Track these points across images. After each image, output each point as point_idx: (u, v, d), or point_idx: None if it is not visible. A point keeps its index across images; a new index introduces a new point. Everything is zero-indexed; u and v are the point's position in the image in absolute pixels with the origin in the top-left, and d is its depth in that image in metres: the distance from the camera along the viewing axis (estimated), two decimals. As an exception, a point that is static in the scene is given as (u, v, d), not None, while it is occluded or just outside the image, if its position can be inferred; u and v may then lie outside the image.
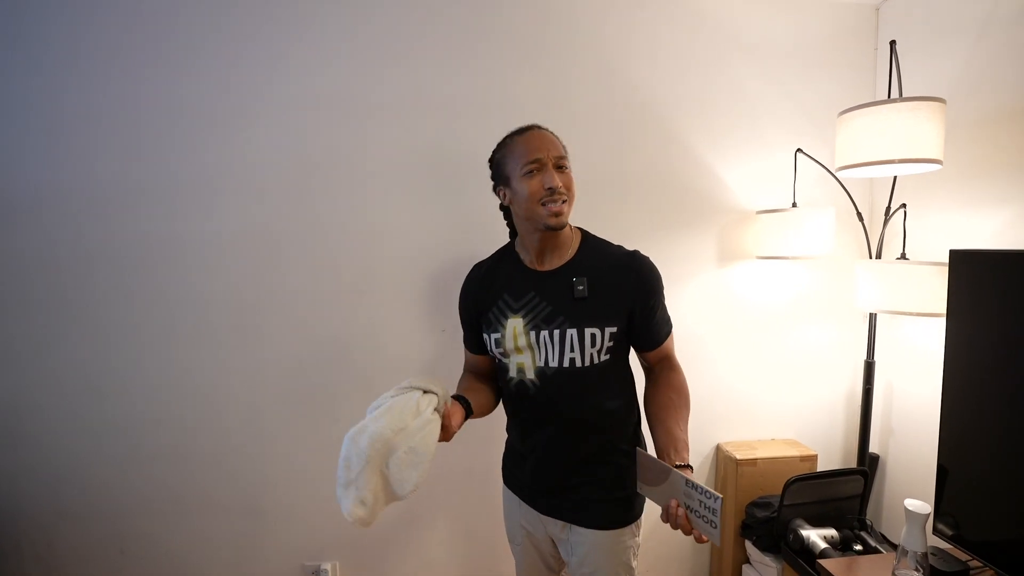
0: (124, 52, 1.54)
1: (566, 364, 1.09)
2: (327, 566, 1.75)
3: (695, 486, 0.89)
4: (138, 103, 1.56)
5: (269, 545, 1.74)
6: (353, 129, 1.63)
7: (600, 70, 1.71)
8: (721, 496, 0.85)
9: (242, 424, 1.69)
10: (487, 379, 1.26)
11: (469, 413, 1.13)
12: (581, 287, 1.09)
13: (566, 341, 1.08)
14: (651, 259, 1.14)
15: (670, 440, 1.03)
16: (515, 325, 1.12)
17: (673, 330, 1.19)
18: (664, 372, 1.16)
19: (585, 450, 1.15)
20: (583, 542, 1.16)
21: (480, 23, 1.66)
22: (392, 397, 1.01)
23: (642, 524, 1.22)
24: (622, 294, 1.09)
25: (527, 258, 1.17)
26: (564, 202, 1.07)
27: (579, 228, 1.20)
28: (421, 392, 1.01)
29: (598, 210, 1.70)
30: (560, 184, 1.05)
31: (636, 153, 1.76)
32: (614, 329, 1.09)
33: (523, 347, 1.12)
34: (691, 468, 1.00)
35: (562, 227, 1.08)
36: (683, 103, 1.77)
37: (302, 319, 1.67)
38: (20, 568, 1.67)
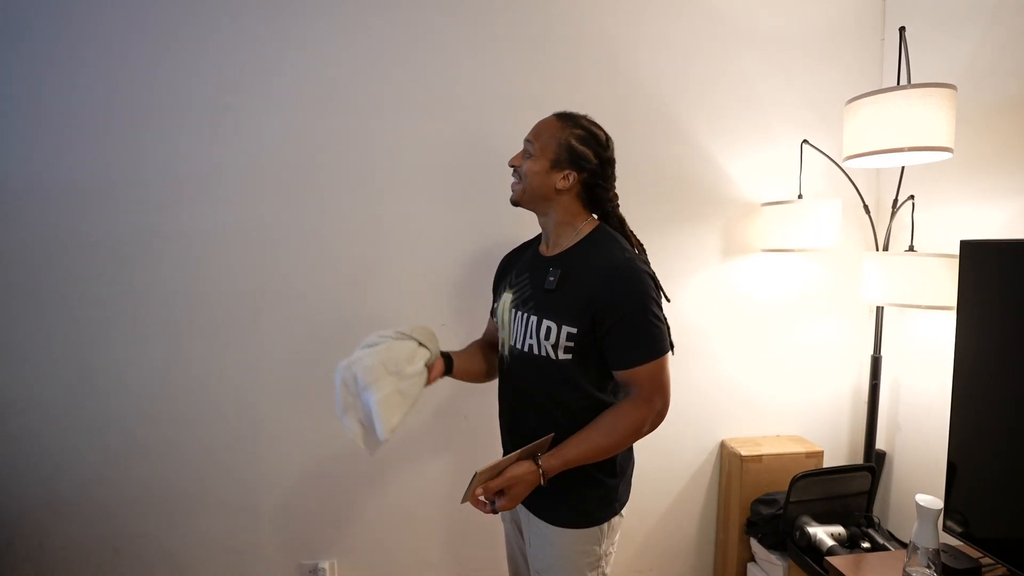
0: (127, 45, 1.52)
1: (526, 348, 1.10)
2: (324, 564, 1.72)
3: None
4: (137, 96, 1.53)
5: (266, 543, 1.72)
6: (355, 124, 1.61)
7: (605, 63, 1.69)
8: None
9: (239, 420, 1.66)
10: (491, 349, 1.29)
11: (449, 370, 1.18)
12: (552, 278, 1.08)
13: (528, 326, 1.09)
14: (641, 274, 1.02)
15: (561, 444, 1.03)
16: (506, 299, 1.19)
17: (656, 369, 1.01)
18: (625, 401, 1.05)
19: (537, 439, 1.09)
20: (538, 535, 1.13)
21: (485, 17, 1.63)
22: (390, 339, 1.08)
23: (612, 532, 1.13)
24: (587, 297, 1.02)
25: (542, 243, 1.20)
26: (516, 182, 1.13)
27: (597, 222, 1.15)
28: (417, 343, 1.10)
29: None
30: (512, 163, 1.13)
31: (641, 146, 1.73)
32: (573, 330, 1.02)
33: (506, 323, 1.17)
34: (542, 476, 1.01)
35: (513, 204, 1.15)
36: (688, 95, 1.74)
37: (300, 314, 1.65)
38: (12, 567, 1.64)
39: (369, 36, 1.59)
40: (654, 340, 1.02)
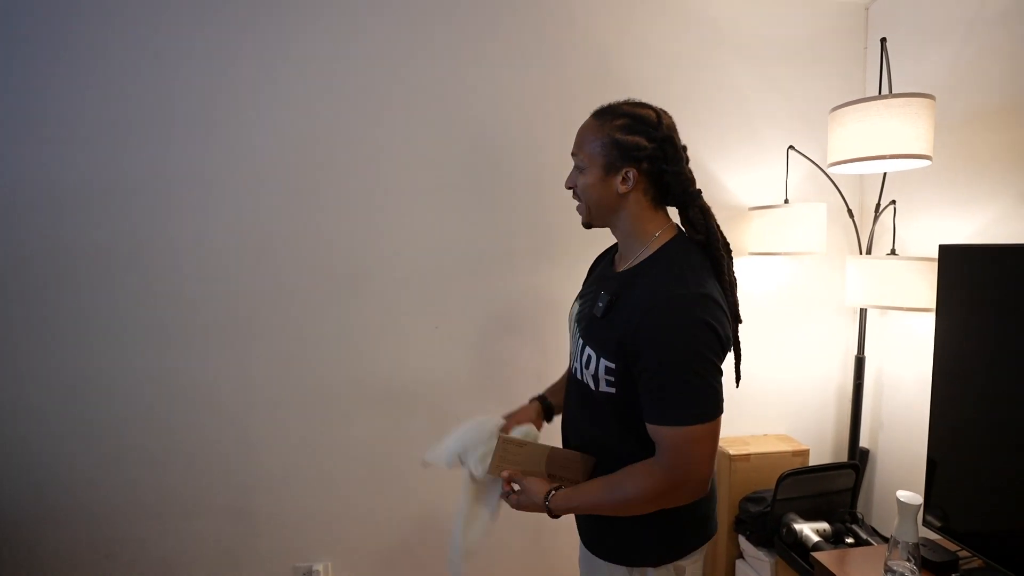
0: (119, 49, 1.51)
1: (575, 371, 1.01)
2: (319, 567, 1.73)
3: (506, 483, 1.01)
4: (128, 101, 1.52)
5: (260, 547, 1.72)
6: (348, 128, 1.62)
7: (594, 70, 1.72)
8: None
9: (231, 424, 1.66)
10: None
11: (548, 409, 1.17)
12: (600, 303, 0.93)
13: (577, 348, 0.99)
14: (691, 314, 0.82)
15: (579, 485, 0.96)
16: (573, 309, 1.06)
17: (684, 437, 0.82)
18: (649, 460, 0.88)
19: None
20: (584, 557, 1.08)
21: (475, 25, 1.65)
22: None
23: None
24: (620, 333, 0.87)
25: (620, 252, 1.05)
26: (578, 202, 1.00)
27: (674, 232, 0.96)
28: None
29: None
30: (568, 186, 1.00)
31: (630, 150, 1.76)
32: (611, 364, 0.88)
33: (572, 332, 1.05)
34: (548, 509, 0.96)
35: (585, 227, 1.01)
36: (677, 101, 1.75)
37: (292, 318, 1.65)
38: (2, 573, 1.62)
39: (363, 42, 1.60)
40: (688, 402, 0.82)
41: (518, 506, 0.99)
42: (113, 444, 1.62)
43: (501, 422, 1.11)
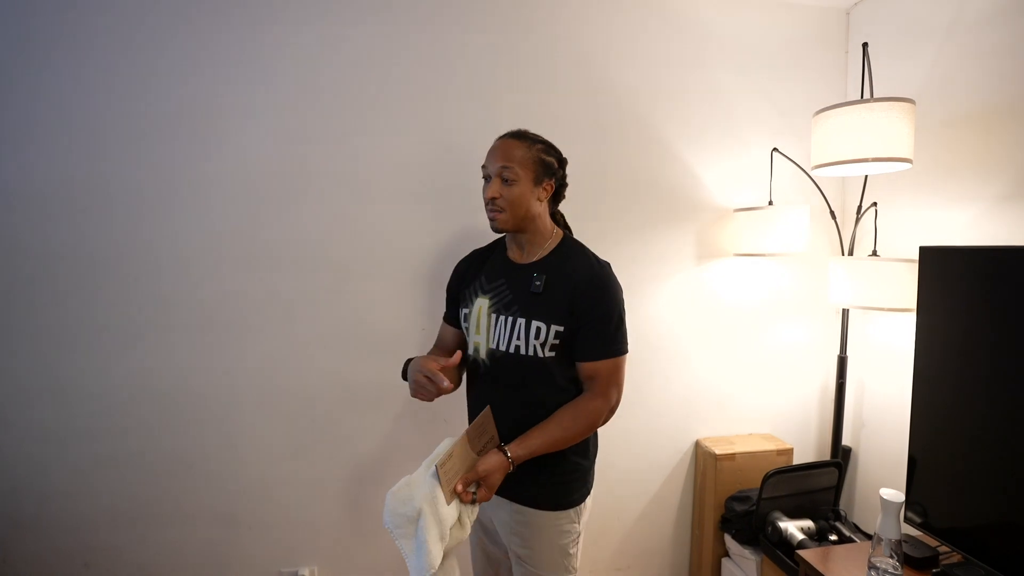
0: (114, 53, 1.48)
1: (511, 350, 1.16)
2: (305, 571, 1.70)
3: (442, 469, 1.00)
4: (109, 102, 1.49)
5: (244, 553, 1.69)
6: (337, 131, 1.60)
7: (580, 72, 1.72)
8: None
9: (216, 429, 1.63)
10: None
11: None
12: (538, 283, 1.16)
13: (516, 329, 1.16)
14: (616, 282, 1.17)
15: (525, 435, 1.11)
16: (481, 305, 1.23)
17: (617, 365, 1.15)
18: (584, 394, 1.16)
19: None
20: (521, 522, 1.20)
21: (463, 27, 1.64)
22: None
23: (586, 511, 1.24)
24: (571, 299, 1.13)
25: (510, 250, 1.27)
26: (499, 211, 1.16)
27: (564, 230, 1.27)
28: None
29: (577, 209, 1.69)
30: (494, 195, 1.15)
31: (616, 153, 1.77)
32: (559, 328, 1.13)
33: (482, 327, 1.22)
34: (511, 462, 1.08)
35: (499, 232, 1.21)
36: (662, 104, 1.79)
37: (277, 321, 1.62)
38: (-26, 584, 1.58)
39: (352, 47, 1.58)
40: (619, 340, 1.16)
41: (490, 491, 1.07)
42: (91, 450, 1.58)
43: (424, 463, 1.09)
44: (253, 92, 1.55)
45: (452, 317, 1.35)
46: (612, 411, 1.18)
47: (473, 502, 1.06)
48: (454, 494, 1.03)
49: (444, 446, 1.09)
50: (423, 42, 1.63)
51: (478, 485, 1.06)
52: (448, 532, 1.01)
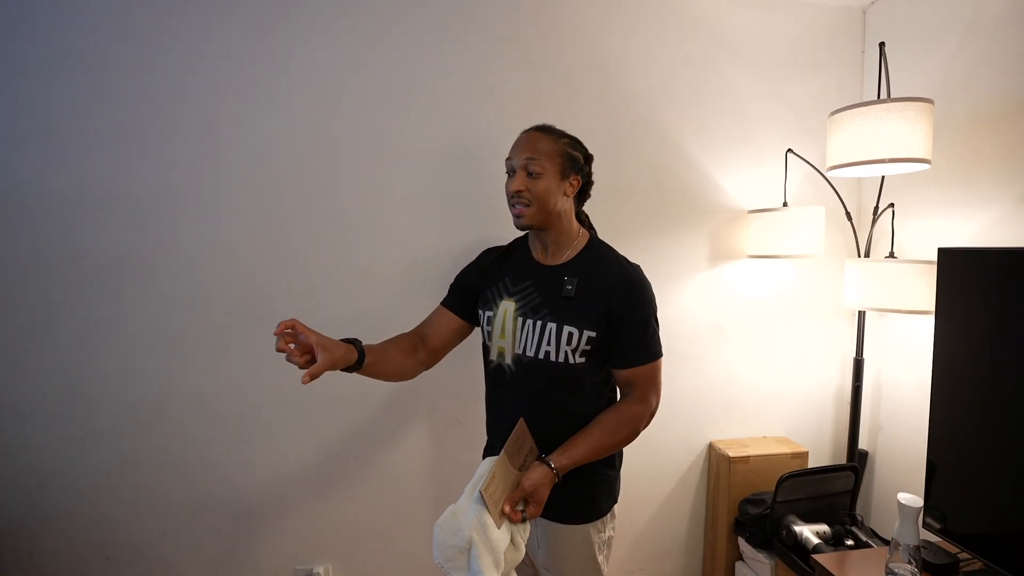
0: (113, 51, 1.51)
1: (541, 356, 1.12)
2: (319, 569, 1.73)
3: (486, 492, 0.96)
4: (127, 104, 1.52)
5: (260, 549, 1.71)
6: (345, 129, 1.62)
7: (597, 74, 1.72)
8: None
9: (234, 427, 1.66)
10: (418, 348, 1.23)
11: (360, 354, 1.09)
12: (570, 287, 1.12)
13: (545, 334, 1.12)
14: (649, 284, 1.14)
15: (567, 444, 1.08)
16: (507, 308, 1.17)
17: (655, 369, 1.13)
18: (624, 400, 1.16)
19: (552, 444, 1.11)
20: (548, 535, 1.17)
21: (480, 27, 1.65)
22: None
23: (614, 518, 1.23)
24: (605, 301, 1.09)
25: (535, 250, 1.21)
26: (525, 206, 1.10)
27: (589, 231, 1.23)
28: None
29: (593, 211, 1.70)
30: (519, 188, 1.09)
31: (631, 155, 1.77)
32: (592, 333, 1.09)
33: (507, 331, 1.17)
34: (556, 475, 1.05)
35: (524, 228, 1.15)
36: (677, 106, 1.78)
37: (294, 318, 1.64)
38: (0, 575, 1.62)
39: (364, 51, 1.61)
40: (656, 343, 1.14)
41: (539, 507, 1.04)
42: (113, 448, 1.62)
43: (466, 490, 1.06)
44: (273, 98, 1.58)
45: (457, 304, 1.25)
46: (652, 416, 1.15)
47: (524, 520, 1.03)
48: (503, 516, 0.99)
49: (484, 468, 1.05)
50: (439, 48, 1.64)
51: (526, 502, 1.03)
52: (503, 558, 0.97)
